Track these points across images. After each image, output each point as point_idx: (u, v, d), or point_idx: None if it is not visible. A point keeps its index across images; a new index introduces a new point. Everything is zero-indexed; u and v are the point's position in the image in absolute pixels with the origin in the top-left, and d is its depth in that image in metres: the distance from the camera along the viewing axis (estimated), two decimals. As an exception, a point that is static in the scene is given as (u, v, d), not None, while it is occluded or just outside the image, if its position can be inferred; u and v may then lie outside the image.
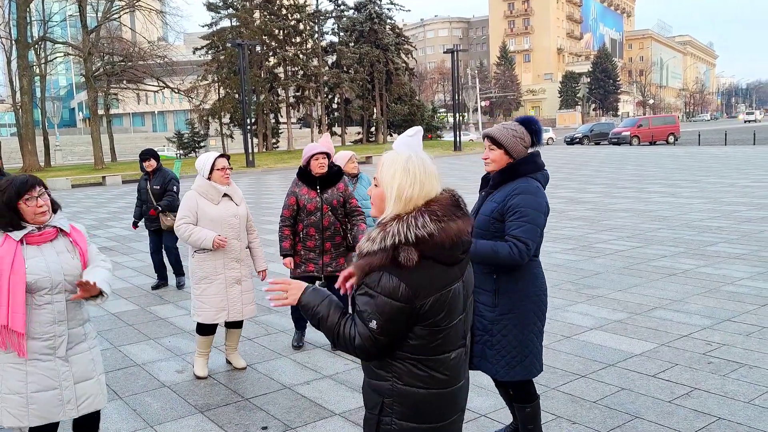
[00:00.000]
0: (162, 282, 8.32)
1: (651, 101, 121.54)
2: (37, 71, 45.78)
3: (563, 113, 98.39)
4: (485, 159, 3.45)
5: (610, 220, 12.09)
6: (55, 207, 3.30)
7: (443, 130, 62.53)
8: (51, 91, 67.13)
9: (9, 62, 46.89)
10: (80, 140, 64.82)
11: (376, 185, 2.22)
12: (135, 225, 8.63)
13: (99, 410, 3.46)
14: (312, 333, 5.96)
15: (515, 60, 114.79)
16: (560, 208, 14.08)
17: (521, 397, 3.52)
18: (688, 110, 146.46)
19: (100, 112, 48.18)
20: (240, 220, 5.07)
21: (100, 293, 3.20)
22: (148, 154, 8.03)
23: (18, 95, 43.01)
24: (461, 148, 44.38)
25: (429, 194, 2.14)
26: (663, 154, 32.71)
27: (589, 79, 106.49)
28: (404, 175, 2.12)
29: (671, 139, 43.26)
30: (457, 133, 45.31)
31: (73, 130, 79.94)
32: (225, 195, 5.04)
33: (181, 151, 56.01)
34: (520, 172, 3.37)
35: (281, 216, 5.55)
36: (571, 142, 49.16)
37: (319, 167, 5.40)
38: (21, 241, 3.11)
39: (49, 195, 3.25)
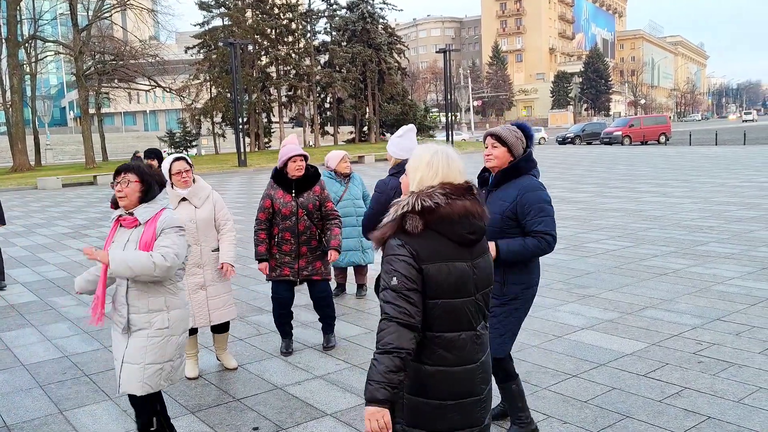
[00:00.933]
0: None
1: (642, 101, 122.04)
2: (28, 70, 45.47)
3: (555, 113, 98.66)
4: (488, 156, 3.70)
5: (601, 220, 12.13)
6: (147, 197, 3.47)
7: (435, 130, 62.53)
8: (41, 89, 66.72)
9: (-1, 61, 46.56)
10: (71, 139, 64.43)
11: (406, 174, 2.46)
12: None
13: (135, 395, 3.51)
14: (301, 332, 5.95)
15: (507, 60, 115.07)
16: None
17: (506, 376, 3.75)
18: (679, 110, 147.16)
19: (92, 111, 47.90)
20: (198, 224, 4.84)
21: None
22: (152, 154, 7.98)
23: (8, 94, 42.68)
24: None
25: (451, 181, 2.35)
26: (654, 153, 32.85)
27: (581, 79, 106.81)
28: (427, 169, 2.35)
29: (662, 139, 43.44)
30: (449, 132, 45.32)
31: (64, 129, 79.42)
32: (183, 199, 4.84)
33: (173, 150, 55.76)
34: (522, 170, 3.65)
35: (256, 219, 5.40)
36: (563, 141, 49.31)
37: (296, 170, 5.28)
38: (118, 221, 3.52)
39: (144, 183, 3.46)
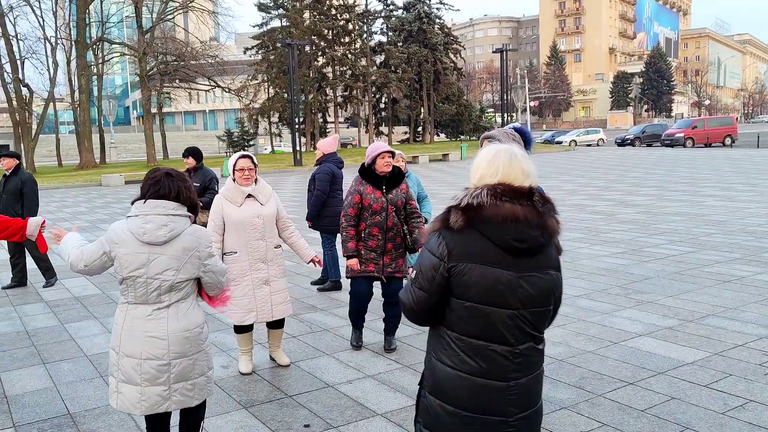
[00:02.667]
0: None
1: (707, 102, 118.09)
2: (95, 71, 47.18)
3: (614, 114, 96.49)
4: None
5: (661, 224, 11.78)
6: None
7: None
8: (107, 90, 69.04)
9: (69, 62, 48.47)
10: (134, 138, 66.55)
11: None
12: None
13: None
14: (350, 332, 5.97)
15: (566, 60, 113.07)
16: (609, 211, 13.79)
17: None
18: (746, 111, 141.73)
19: (153, 110, 49.37)
20: (264, 220, 4.94)
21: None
22: (188, 153, 8.19)
23: (76, 94, 44.40)
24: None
25: (508, 182, 2.26)
26: (719, 156, 31.74)
27: (641, 80, 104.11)
28: (488, 166, 2.28)
29: (728, 141, 41.97)
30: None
31: (128, 128, 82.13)
32: (249, 196, 4.93)
33: (231, 150, 56.91)
34: None
35: (345, 215, 5.41)
36: (622, 143, 48.18)
37: (385, 166, 5.30)
38: None
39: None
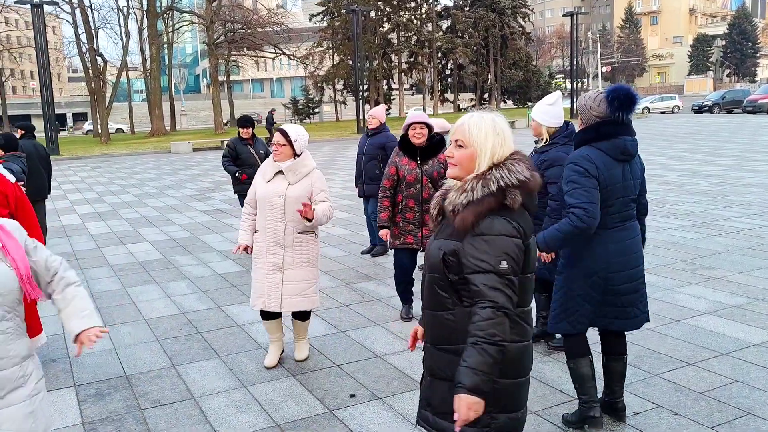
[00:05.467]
0: None
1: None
2: (165, 39, 48.24)
3: (692, 79, 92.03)
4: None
5: (736, 196, 11.19)
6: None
7: (560, 97, 60.28)
8: (177, 58, 70.63)
9: (140, 31, 49.72)
10: (203, 105, 67.92)
11: (460, 146, 2.30)
12: (244, 174, 8.23)
13: None
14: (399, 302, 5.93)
15: (641, 23, 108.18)
16: (680, 182, 13.20)
17: (564, 350, 3.70)
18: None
19: (221, 78, 50.21)
20: (286, 201, 4.44)
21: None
22: (248, 122, 8.22)
23: (148, 62, 45.55)
24: (578, 116, 42.54)
25: (508, 152, 2.29)
26: (804, 124, 29.91)
27: (724, 42, 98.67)
28: (495, 136, 2.26)
29: (816, 107, 39.40)
30: (574, 99, 43.45)
31: (198, 96, 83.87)
32: (279, 172, 4.53)
33: (296, 117, 57.42)
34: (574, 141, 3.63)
35: (381, 186, 5.44)
36: (699, 110, 45.94)
37: (415, 137, 5.29)
38: None
39: None
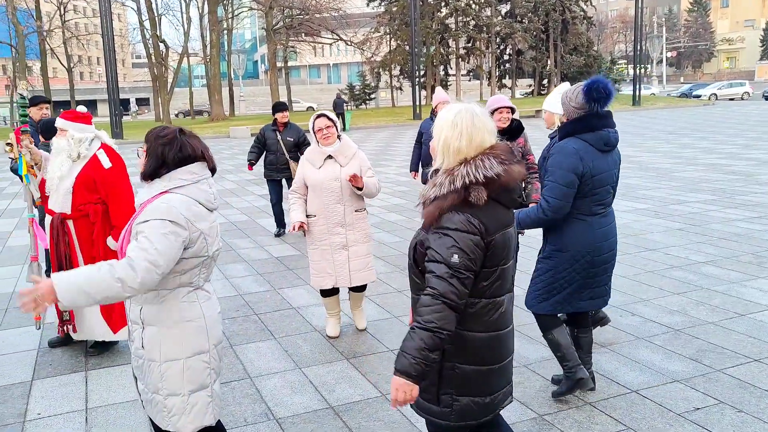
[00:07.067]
0: (283, 230, 8.74)
1: None
2: (225, 25, 49.00)
3: (764, 65, 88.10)
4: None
5: (808, 187, 10.69)
6: (157, 173, 2.58)
7: (622, 83, 58.58)
8: (237, 44, 71.66)
9: (201, 18, 50.64)
10: (262, 91, 68.80)
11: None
12: (251, 165, 8.74)
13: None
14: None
15: (710, 5, 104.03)
16: (748, 171, 12.69)
17: (540, 326, 3.89)
18: None
19: (279, 64, 50.73)
20: (343, 183, 4.74)
21: None
22: (285, 107, 8.45)
23: (208, 48, 46.41)
24: (640, 102, 41.36)
25: (481, 145, 2.26)
26: None
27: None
28: (451, 129, 2.27)
29: None
30: (637, 86, 42.22)
31: (256, 82, 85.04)
32: (329, 157, 4.77)
33: (353, 103, 57.63)
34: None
35: None
36: (771, 97, 44.01)
37: (499, 121, 5.23)
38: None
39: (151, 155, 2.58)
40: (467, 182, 2.20)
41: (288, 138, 8.46)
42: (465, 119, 2.26)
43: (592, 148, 3.57)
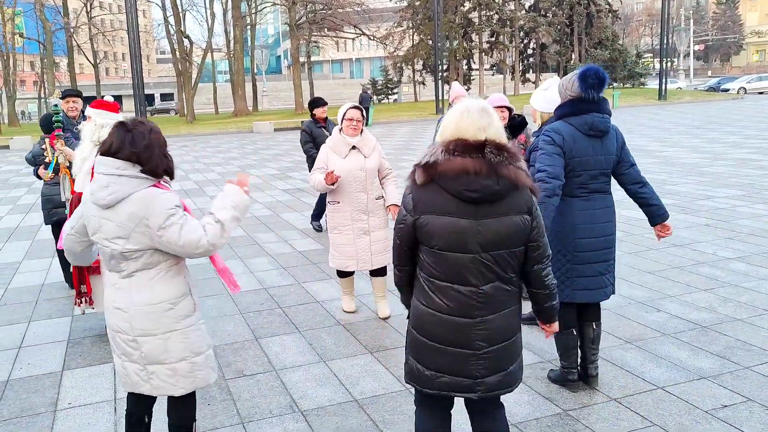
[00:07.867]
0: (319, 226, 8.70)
1: None
2: (248, 21, 49.21)
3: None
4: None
5: (840, 182, 10.48)
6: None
7: (647, 77, 57.76)
8: (260, 39, 72.04)
9: (225, 13, 50.93)
10: (285, 86, 69.04)
11: None
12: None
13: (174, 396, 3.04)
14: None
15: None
16: (778, 166, 12.47)
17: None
18: None
19: (302, 59, 50.84)
20: (367, 173, 5.09)
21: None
22: (323, 102, 8.40)
23: (232, 44, 46.68)
24: (666, 96, 40.76)
25: (461, 137, 2.43)
26: None
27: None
28: (447, 124, 2.51)
29: None
30: (663, 80, 41.64)
31: (279, 77, 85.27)
32: (354, 148, 5.07)
33: (376, 98, 57.63)
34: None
35: None
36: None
37: None
38: None
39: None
40: (416, 164, 2.50)
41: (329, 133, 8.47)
42: (455, 112, 2.49)
43: (577, 131, 3.65)
